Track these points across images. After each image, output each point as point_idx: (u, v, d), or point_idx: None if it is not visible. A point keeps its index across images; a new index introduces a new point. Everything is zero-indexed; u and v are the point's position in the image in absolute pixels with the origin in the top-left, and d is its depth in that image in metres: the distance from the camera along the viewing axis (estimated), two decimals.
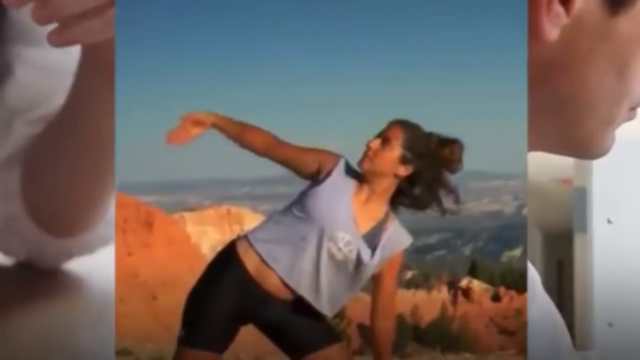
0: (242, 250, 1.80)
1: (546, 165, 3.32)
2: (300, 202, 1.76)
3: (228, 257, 1.82)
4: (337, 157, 1.77)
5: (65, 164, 2.14)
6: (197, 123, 1.76)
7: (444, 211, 1.76)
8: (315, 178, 1.76)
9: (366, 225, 1.73)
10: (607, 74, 0.99)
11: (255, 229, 1.84)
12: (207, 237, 50.19)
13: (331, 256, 1.72)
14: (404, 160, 1.71)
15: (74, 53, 2.14)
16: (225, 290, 1.79)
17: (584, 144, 1.08)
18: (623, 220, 3.04)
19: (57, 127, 2.13)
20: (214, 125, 1.77)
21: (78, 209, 2.25)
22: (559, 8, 0.93)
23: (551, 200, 3.45)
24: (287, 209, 1.79)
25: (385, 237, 1.74)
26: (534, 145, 1.10)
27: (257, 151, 1.77)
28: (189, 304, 1.83)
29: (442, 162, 1.73)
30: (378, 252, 1.73)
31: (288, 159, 1.77)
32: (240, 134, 1.77)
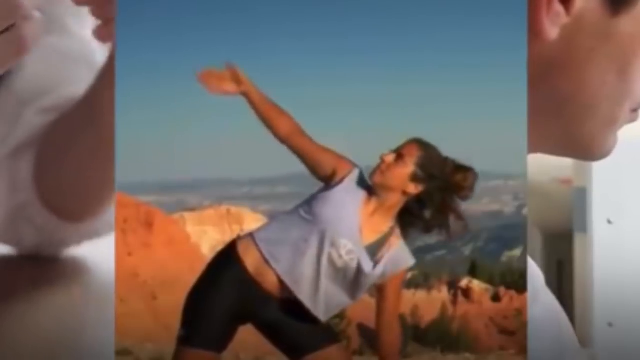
0: (243, 249, 1.80)
1: (546, 166, 3.32)
2: (308, 204, 1.76)
3: (228, 256, 1.82)
4: (353, 166, 1.77)
5: (83, 151, 2.15)
6: (236, 81, 1.74)
7: (450, 236, 1.76)
8: (328, 181, 1.76)
9: (370, 237, 1.73)
10: (608, 74, 0.99)
11: (260, 228, 1.84)
12: (207, 237, 50.20)
13: (331, 262, 1.72)
14: (414, 178, 1.70)
15: (89, 42, 2.14)
16: (225, 290, 1.79)
17: (585, 146, 1.07)
18: (623, 221, 3.05)
19: (78, 115, 2.14)
20: (246, 94, 1.75)
21: (92, 195, 2.27)
22: (559, 7, 0.93)
23: (551, 200, 3.45)
24: (294, 210, 1.79)
25: (389, 255, 1.74)
26: (534, 147, 1.09)
27: (279, 134, 1.75)
28: (189, 304, 1.83)
29: (453, 188, 1.72)
30: (380, 266, 1.73)
31: (306, 152, 1.76)
32: (267, 112, 1.75)
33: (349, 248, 1.71)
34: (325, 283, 1.73)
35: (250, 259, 1.78)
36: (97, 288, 2.26)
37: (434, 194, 1.72)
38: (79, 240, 2.37)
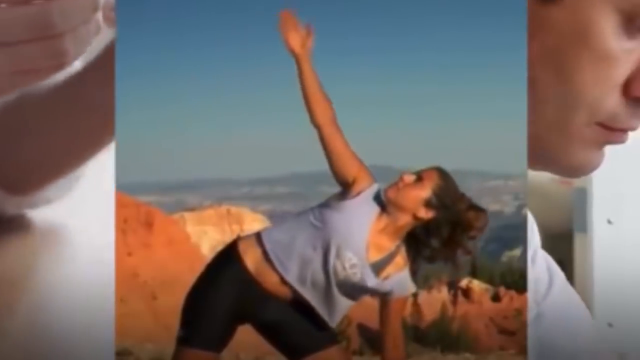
0: (244, 248, 1.80)
1: None
2: (320, 210, 1.76)
3: (228, 256, 1.82)
4: (372, 181, 1.77)
5: (44, 132, 2.16)
6: (302, 43, 1.73)
7: (457, 270, 1.77)
8: (344, 187, 1.76)
9: (375, 255, 1.73)
10: (546, 69, 0.91)
11: (267, 228, 1.85)
12: (207, 237, 50.16)
13: (335, 272, 1.72)
14: (427, 204, 1.70)
15: None
16: (225, 289, 1.79)
17: (552, 157, 1.00)
18: (623, 221, 3.04)
19: (49, 100, 2.15)
20: (302, 60, 1.73)
21: (38, 174, 2.30)
22: None
23: (551, 200, 3.45)
24: (304, 214, 1.78)
25: (398, 277, 1.75)
26: (531, 163, 1.06)
27: (316, 118, 1.74)
28: (188, 304, 1.83)
29: (463, 224, 1.72)
30: (388, 283, 1.74)
31: (335, 148, 1.75)
32: (313, 91, 1.74)
33: (353, 262, 1.71)
34: (335, 290, 1.74)
35: (250, 258, 1.78)
36: (97, 288, 2.26)
37: (442, 226, 1.72)
38: (15, 210, 2.42)
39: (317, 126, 1.74)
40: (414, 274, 1.77)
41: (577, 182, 3.14)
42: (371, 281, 1.72)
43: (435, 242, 1.74)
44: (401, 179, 1.72)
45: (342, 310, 1.79)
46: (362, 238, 1.72)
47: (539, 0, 0.86)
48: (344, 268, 1.71)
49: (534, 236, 1.25)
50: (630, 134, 1.02)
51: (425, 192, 1.70)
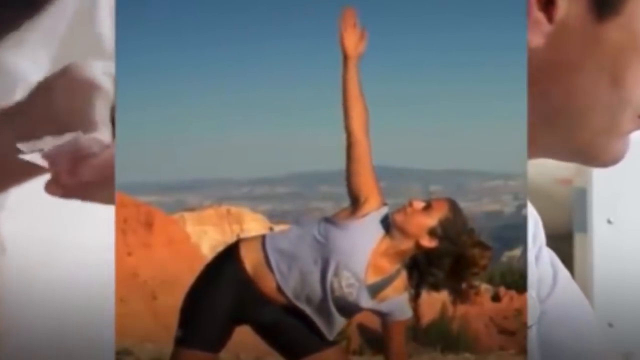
0: (245, 250, 1.80)
1: (546, 166, 3.32)
2: (325, 225, 1.76)
3: (228, 256, 1.83)
4: (382, 204, 1.77)
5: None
6: (356, 44, 1.80)
7: (462, 300, 1.78)
8: (353, 202, 1.76)
9: (374, 277, 1.74)
10: (600, 82, 0.96)
11: (272, 234, 1.84)
12: (207, 237, 50.16)
13: (331, 289, 1.73)
14: (432, 233, 1.70)
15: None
16: (223, 288, 1.79)
17: (589, 153, 1.04)
18: (623, 221, 3.04)
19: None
20: (349, 62, 1.78)
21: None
22: (538, 14, 0.91)
23: (551, 201, 3.45)
24: (309, 229, 1.78)
25: (398, 300, 1.75)
26: (536, 153, 1.08)
27: (350, 123, 1.76)
28: (186, 304, 1.83)
29: (467, 259, 1.72)
30: (385, 305, 1.75)
31: (360, 156, 1.76)
32: (354, 96, 1.77)
33: (350, 282, 1.71)
34: (332, 305, 1.74)
35: (250, 260, 1.78)
36: (97, 288, 2.26)
37: (444, 257, 1.71)
38: None
39: (348, 131, 1.75)
40: (417, 298, 1.77)
41: (577, 182, 3.14)
42: (366, 302, 1.72)
43: (437, 272, 1.73)
44: (410, 204, 1.72)
45: (339, 324, 1.80)
46: (363, 259, 1.72)
47: (593, 21, 0.92)
48: (341, 286, 1.71)
49: (539, 232, 1.25)
50: (631, 135, 1.05)
51: (431, 220, 1.69)
